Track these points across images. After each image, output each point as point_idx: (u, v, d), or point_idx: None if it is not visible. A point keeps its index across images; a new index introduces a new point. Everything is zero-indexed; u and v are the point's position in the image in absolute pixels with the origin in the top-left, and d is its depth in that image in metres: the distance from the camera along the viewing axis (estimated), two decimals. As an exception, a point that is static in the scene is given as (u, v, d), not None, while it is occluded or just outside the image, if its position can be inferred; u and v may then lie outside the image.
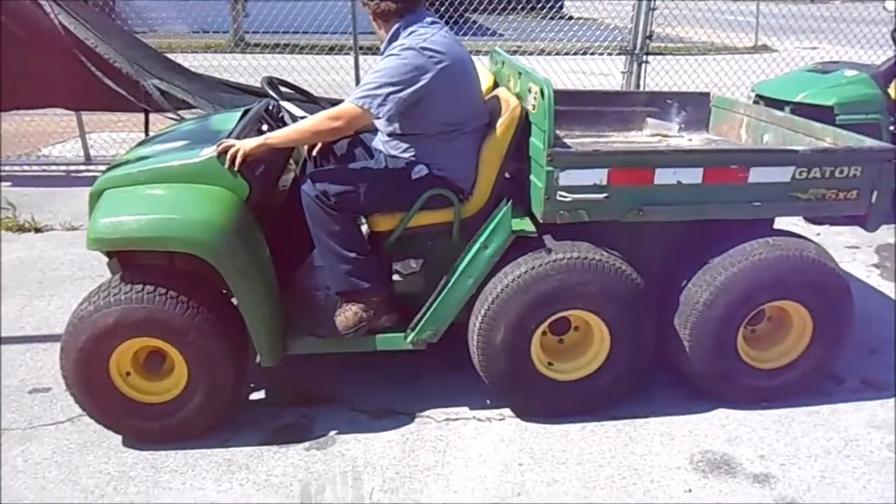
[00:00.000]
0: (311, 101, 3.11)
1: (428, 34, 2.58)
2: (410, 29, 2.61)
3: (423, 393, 2.96)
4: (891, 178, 2.72)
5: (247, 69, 7.44)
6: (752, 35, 15.05)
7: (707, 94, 3.79)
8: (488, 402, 2.88)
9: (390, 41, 2.62)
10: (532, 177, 2.68)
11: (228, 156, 2.53)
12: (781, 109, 4.99)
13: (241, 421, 2.78)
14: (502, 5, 8.05)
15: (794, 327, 2.80)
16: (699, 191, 2.61)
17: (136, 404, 2.61)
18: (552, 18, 9.17)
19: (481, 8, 8.39)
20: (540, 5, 11.45)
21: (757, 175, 2.62)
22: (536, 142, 2.61)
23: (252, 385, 3.04)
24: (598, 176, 2.54)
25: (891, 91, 4.92)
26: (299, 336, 2.75)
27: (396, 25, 2.62)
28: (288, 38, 8.22)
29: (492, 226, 2.60)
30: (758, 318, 2.84)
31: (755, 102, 5.36)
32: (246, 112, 3.05)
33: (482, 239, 2.61)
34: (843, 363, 3.03)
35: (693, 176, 2.59)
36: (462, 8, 8.14)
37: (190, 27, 14.68)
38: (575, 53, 8.21)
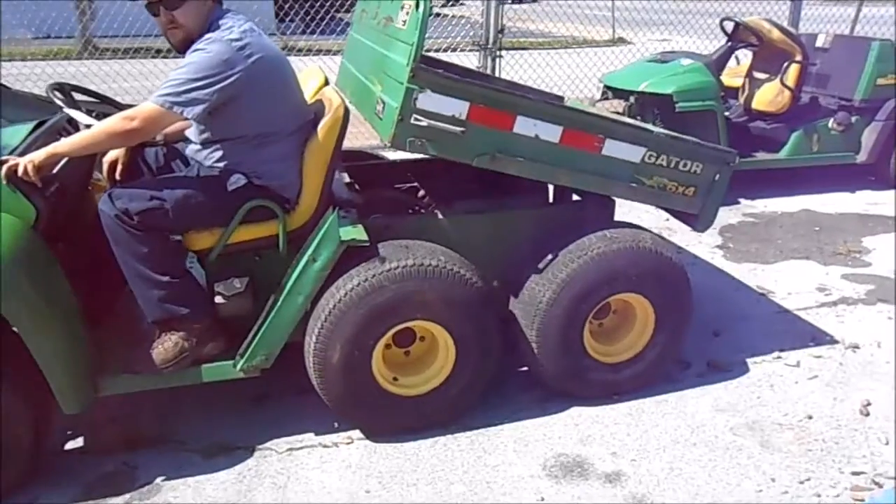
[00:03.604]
0: (117, 109, 2.78)
1: (236, 26, 2.35)
2: (218, 23, 2.37)
3: (264, 422, 2.72)
4: (725, 183, 2.79)
5: (97, 75, 6.87)
6: (609, 29, 15.67)
7: (561, 98, 3.77)
8: (336, 424, 2.68)
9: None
10: (384, 96, 2.51)
11: (4, 172, 2.19)
12: (627, 99, 5.14)
13: (54, 473, 2.44)
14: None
15: (638, 318, 2.79)
16: (554, 151, 2.55)
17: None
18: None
19: (348, 5, 8.14)
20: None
21: (611, 147, 2.61)
22: (398, 58, 2.44)
23: (69, 432, 2.69)
24: (460, 108, 2.41)
25: (724, 79, 5.16)
26: (112, 374, 2.44)
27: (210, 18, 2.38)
28: (141, 42, 7.58)
29: (319, 236, 2.40)
30: (603, 312, 2.81)
31: (603, 93, 5.48)
32: (41, 124, 2.68)
33: (310, 251, 2.41)
34: (690, 346, 3.08)
35: (552, 133, 2.53)
36: (328, 5, 7.87)
37: (33, 32, 13.45)
38: (437, 50, 8.14)
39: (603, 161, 2.64)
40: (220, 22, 2.36)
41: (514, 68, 7.07)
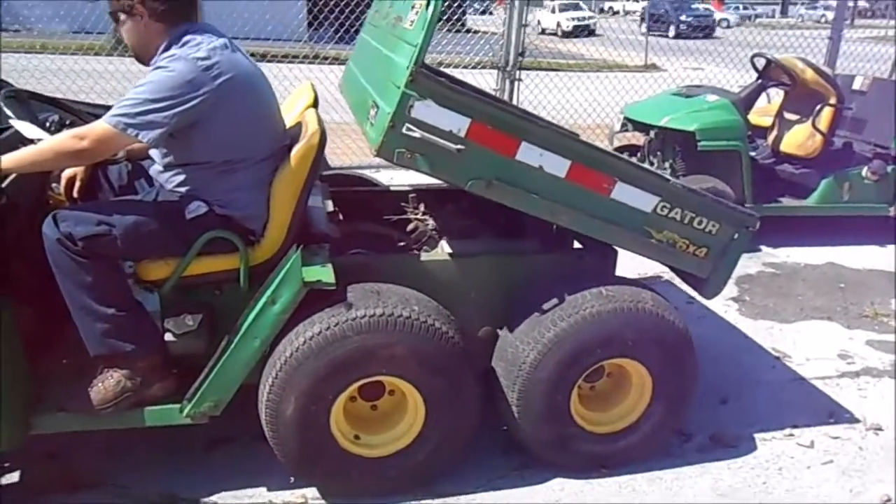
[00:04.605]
0: (81, 121, 2.58)
1: (204, 43, 2.14)
2: (184, 39, 2.16)
3: (216, 470, 2.49)
4: (742, 249, 2.51)
5: (133, 73, 6.73)
6: (642, 54, 15.39)
7: (576, 135, 3.52)
8: (292, 480, 2.43)
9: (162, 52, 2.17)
10: (379, 100, 2.29)
11: None
12: (648, 133, 4.86)
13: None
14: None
15: (633, 386, 2.51)
16: (558, 186, 2.29)
17: None
18: (456, 31, 8.79)
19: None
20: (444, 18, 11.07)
21: (622, 192, 2.35)
22: (399, 59, 2.22)
23: (6, 464, 2.48)
24: (459, 124, 2.16)
25: (752, 117, 4.86)
26: (48, 411, 2.23)
27: (170, 34, 2.17)
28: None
29: (280, 276, 2.17)
30: (596, 374, 2.53)
31: (623, 125, 5.22)
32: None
33: (269, 292, 2.17)
34: (692, 414, 2.78)
35: (558, 166, 2.27)
36: (360, 12, 7.70)
37: (70, 26, 13.55)
38: (455, 66, 7.93)
39: (610, 205, 2.37)
40: (187, 38, 2.15)
41: (534, 91, 6.82)
